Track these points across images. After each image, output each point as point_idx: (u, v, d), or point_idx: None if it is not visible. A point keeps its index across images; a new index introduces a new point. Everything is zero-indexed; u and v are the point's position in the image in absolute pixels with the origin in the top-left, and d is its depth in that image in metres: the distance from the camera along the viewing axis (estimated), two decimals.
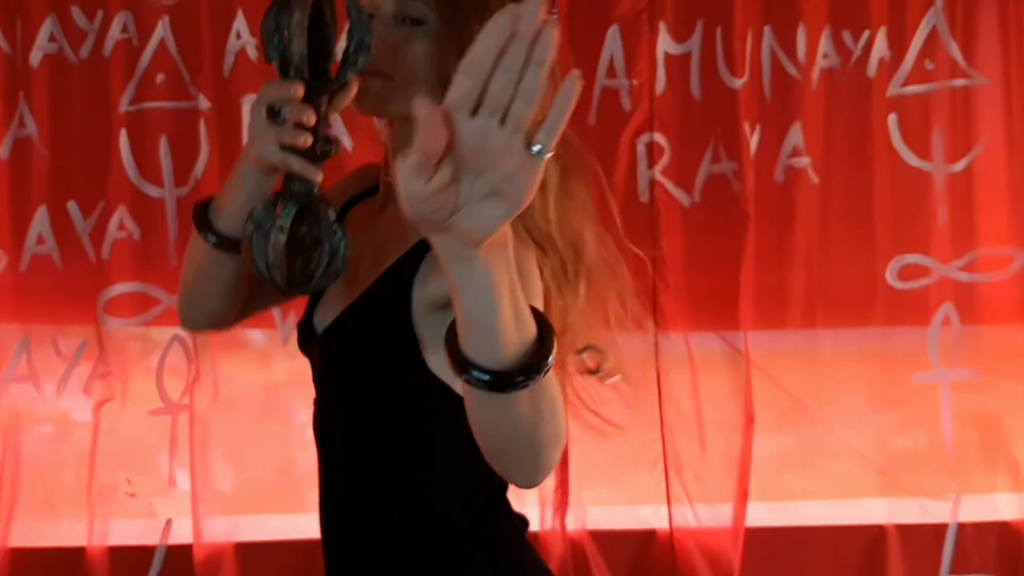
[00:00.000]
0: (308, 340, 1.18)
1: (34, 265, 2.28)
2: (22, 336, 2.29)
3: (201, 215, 1.09)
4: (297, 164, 1.00)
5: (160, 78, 2.27)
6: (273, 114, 0.96)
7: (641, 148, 2.33)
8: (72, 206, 2.28)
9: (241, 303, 1.19)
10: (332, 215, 1.02)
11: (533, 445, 0.85)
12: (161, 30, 2.27)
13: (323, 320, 1.15)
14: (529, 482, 0.90)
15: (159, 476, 2.30)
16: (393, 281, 1.06)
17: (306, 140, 0.98)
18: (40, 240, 2.28)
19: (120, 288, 2.29)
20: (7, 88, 2.26)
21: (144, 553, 2.28)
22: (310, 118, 0.98)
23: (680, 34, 2.33)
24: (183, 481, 2.29)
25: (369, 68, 1.03)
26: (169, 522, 2.30)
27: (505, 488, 1.18)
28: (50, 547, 2.27)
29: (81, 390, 2.30)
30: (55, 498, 2.29)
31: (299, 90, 0.96)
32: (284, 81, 0.97)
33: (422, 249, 1.04)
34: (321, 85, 1.00)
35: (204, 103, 2.28)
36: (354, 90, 1.03)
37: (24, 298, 2.29)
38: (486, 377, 0.77)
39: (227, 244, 1.07)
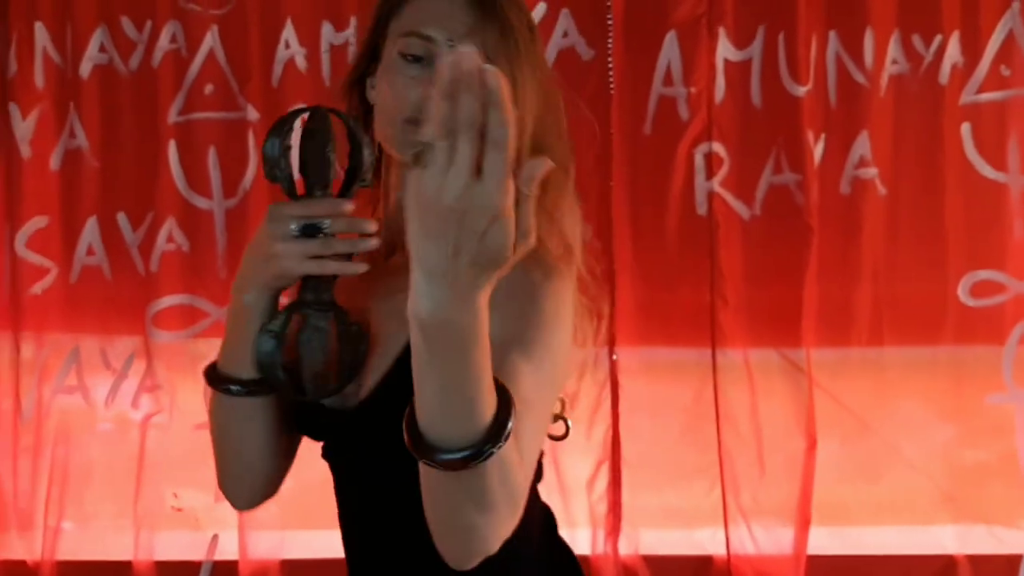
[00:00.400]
0: (317, 419, 1.09)
1: (84, 276, 2.29)
2: (72, 347, 2.29)
3: (213, 375, 1.06)
4: (336, 267, 1.00)
5: (209, 89, 2.26)
6: (310, 231, 0.97)
7: (699, 159, 2.27)
8: (121, 217, 2.28)
9: (284, 452, 1.13)
10: (345, 313, 1.03)
11: (468, 528, 0.83)
12: (210, 40, 2.26)
13: (342, 394, 1.07)
14: (458, 564, 0.86)
15: (206, 490, 2.28)
16: None
17: (371, 243, 1.00)
18: (90, 251, 2.28)
19: (168, 300, 2.29)
20: (58, 99, 2.27)
21: (190, 569, 2.27)
22: (370, 226, 1.00)
23: (740, 40, 2.26)
24: None
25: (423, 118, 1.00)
26: (215, 537, 2.28)
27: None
28: (97, 560, 2.27)
29: (129, 403, 2.29)
30: (102, 511, 2.29)
31: (349, 206, 0.99)
32: (319, 200, 0.99)
33: None
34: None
35: (253, 114, 2.26)
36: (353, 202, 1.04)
37: (74, 309, 2.29)
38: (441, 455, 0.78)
39: (255, 387, 1.04)
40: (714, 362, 2.27)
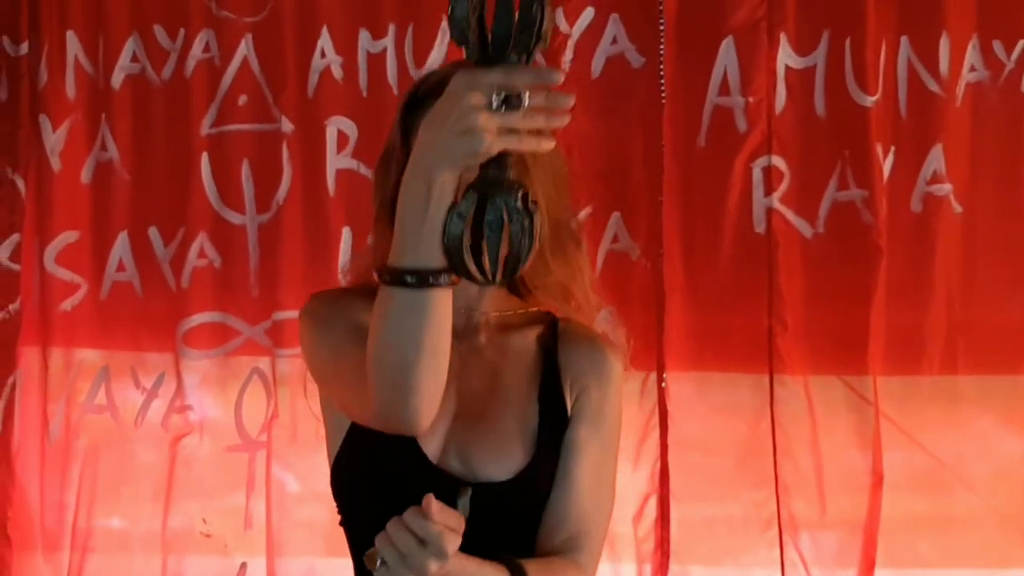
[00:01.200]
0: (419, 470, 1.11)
1: (114, 292, 2.24)
2: (101, 365, 2.25)
3: (403, 274, 0.96)
4: (534, 144, 0.92)
5: (242, 99, 2.21)
6: (512, 102, 0.89)
7: (757, 173, 2.16)
8: (153, 232, 2.23)
9: None
10: (525, 189, 0.95)
11: None
12: (244, 48, 2.20)
13: (446, 450, 1.14)
14: None
15: (235, 515, 2.22)
16: (555, 416, 1.14)
17: (566, 121, 0.95)
18: (121, 267, 2.24)
19: (199, 318, 2.23)
20: (89, 110, 2.22)
21: None
22: (570, 100, 0.93)
23: (803, 45, 2.16)
24: (259, 521, 2.19)
25: None
26: (244, 565, 2.21)
27: None
28: None
29: (159, 423, 2.23)
30: (129, 535, 2.24)
31: (559, 76, 0.92)
32: (525, 68, 0.90)
33: (552, 365, 1.19)
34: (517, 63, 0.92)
35: (287, 125, 2.19)
36: None
37: (104, 326, 2.24)
38: None
39: (450, 275, 0.98)
40: (771, 390, 2.16)
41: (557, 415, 1.16)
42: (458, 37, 0.90)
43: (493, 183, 0.92)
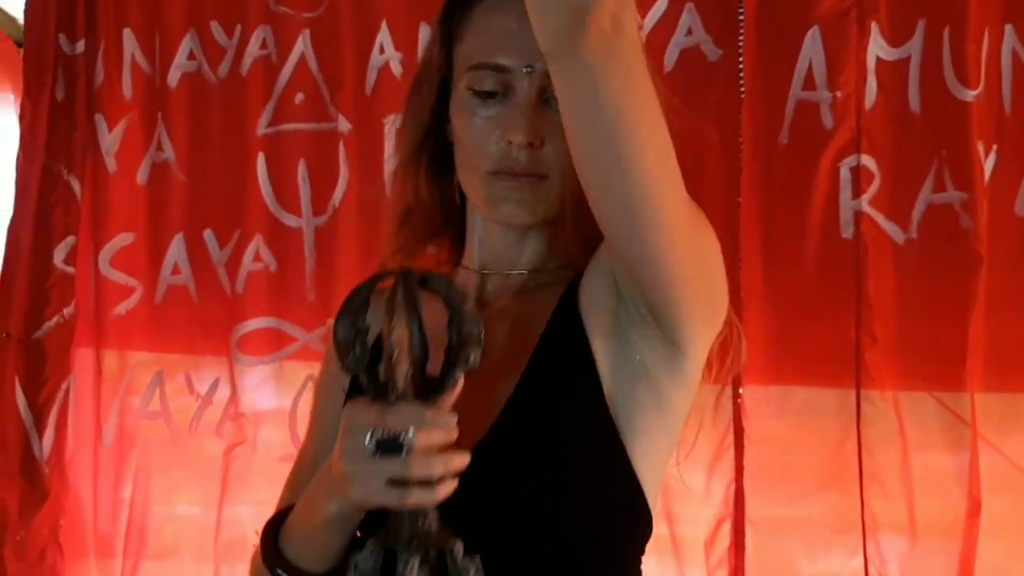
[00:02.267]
0: None
1: (169, 296, 2.20)
2: (155, 370, 2.22)
3: (275, 553, 0.90)
4: (419, 496, 0.79)
5: (299, 97, 2.15)
6: (389, 446, 0.76)
7: (845, 173, 2.03)
8: (208, 234, 2.19)
9: None
10: (460, 548, 0.82)
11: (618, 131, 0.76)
12: (301, 45, 2.14)
13: None
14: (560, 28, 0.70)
15: None
16: (560, 348, 0.91)
17: (449, 466, 0.80)
18: (176, 270, 2.20)
19: (254, 323, 2.18)
20: (145, 109, 2.19)
21: None
22: (450, 435, 0.80)
23: (896, 36, 2.01)
24: None
25: (520, 171, 0.90)
26: None
27: None
28: None
29: (212, 431, 2.19)
30: (182, 545, 2.20)
31: (440, 417, 0.79)
32: (399, 405, 0.78)
33: (572, 300, 0.95)
34: (429, 395, 0.80)
35: (344, 124, 2.13)
36: (459, 388, 0.82)
37: (158, 331, 2.21)
38: None
39: None
40: (858, 407, 2.02)
41: (561, 360, 0.93)
42: (345, 364, 0.80)
43: (398, 539, 0.79)
